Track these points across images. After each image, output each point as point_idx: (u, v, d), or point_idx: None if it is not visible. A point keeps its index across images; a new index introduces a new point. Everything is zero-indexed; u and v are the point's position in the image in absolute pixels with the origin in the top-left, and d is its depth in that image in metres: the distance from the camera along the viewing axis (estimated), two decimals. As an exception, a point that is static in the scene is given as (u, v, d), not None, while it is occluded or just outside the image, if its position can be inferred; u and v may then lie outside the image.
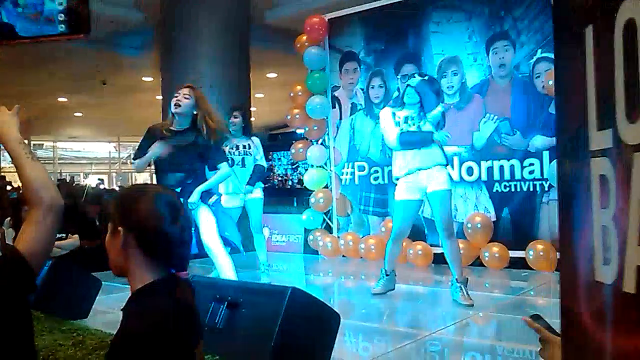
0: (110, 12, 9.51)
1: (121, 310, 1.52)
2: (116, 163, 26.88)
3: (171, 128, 4.20)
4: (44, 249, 1.54)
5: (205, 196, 4.17)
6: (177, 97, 4.13)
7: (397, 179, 4.55)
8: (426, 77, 4.50)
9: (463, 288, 4.42)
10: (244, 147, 5.42)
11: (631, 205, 0.77)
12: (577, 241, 0.95)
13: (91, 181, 21.17)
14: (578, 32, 0.95)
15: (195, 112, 4.16)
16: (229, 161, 4.49)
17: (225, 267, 4.11)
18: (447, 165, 4.52)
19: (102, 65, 12.70)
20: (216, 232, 4.15)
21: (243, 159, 5.39)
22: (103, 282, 4.46)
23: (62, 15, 0.58)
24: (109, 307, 4.64)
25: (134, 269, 1.48)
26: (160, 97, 9.91)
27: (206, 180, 4.22)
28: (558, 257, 5.50)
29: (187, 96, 4.13)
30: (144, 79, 14.07)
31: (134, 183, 22.79)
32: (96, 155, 27.23)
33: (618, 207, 0.82)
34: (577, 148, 0.95)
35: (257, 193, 5.43)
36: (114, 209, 1.50)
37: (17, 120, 1.64)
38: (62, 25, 0.58)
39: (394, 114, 4.47)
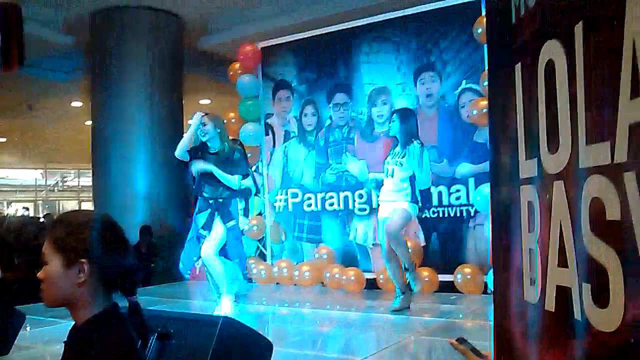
0: (38, 34, 9.25)
1: (64, 342, 1.48)
2: (43, 190, 25.89)
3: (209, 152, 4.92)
4: None
5: (226, 217, 4.81)
6: (201, 128, 4.85)
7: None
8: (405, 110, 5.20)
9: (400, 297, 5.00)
10: None
11: (552, 229, 0.83)
12: (508, 263, 1.01)
13: (14, 210, 20.26)
14: (509, 68, 1.02)
15: (219, 131, 4.88)
16: (244, 175, 4.92)
17: (219, 276, 4.79)
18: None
19: (29, 89, 12.29)
20: (214, 248, 4.76)
21: None
22: (27, 316, 4.29)
23: None
24: (32, 342, 4.46)
25: (86, 299, 1.44)
26: (90, 123, 9.67)
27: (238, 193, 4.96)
28: (485, 280, 5.68)
29: (205, 124, 4.84)
30: (73, 104, 13.70)
31: (66, 210, 21.92)
32: (21, 182, 26.14)
33: (541, 231, 0.88)
34: (508, 176, 1.01)
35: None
36: (71, 240, 1.43)
37: None
38: None
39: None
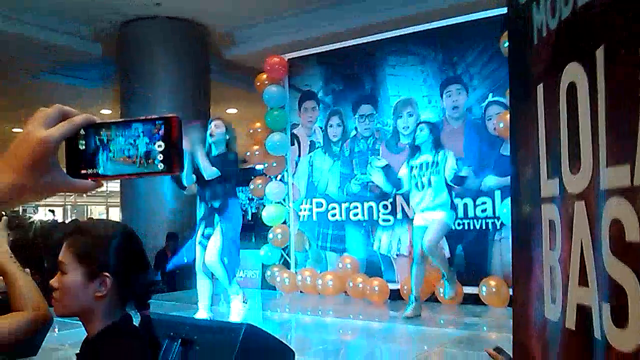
0: (67, 43, 9.46)
1: (76, 354, 1.46)
2: (72, 195, 26.28)
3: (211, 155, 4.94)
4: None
5: (226, 221, 4.85)
6: (210, 129, 4.93)
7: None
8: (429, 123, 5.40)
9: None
10: None
11: (573, 248, 0.84)
12: (529, 280, 1.02)
13: (41, 215, 20.55)
14: (530, 89, 1.03)
15: (227, 137, 4.94)
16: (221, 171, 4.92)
17: (225, 279, 4.88)
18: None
19: (59, 97, 12.54)
20: (216, 255, 4.80)
21: None
22: (54, 318, 4.37)
23: (161, 155, 0.63)
24: (59, 344, 4.54)
25: (101, 312, 1.40)
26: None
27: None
28: (510, 293, 5.63)
29: (217, 126, 4.93)
30: (102, 111, 13.94)
31: (92, 217, 22.19)
32: (50, 186, 26.55)
33: (563, 249, 0.89)
34: (530, 194, 1.02)
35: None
36: (95, 252, 1.38)
37: (5, 232, 1.63)
38: (162, 165, 0.63)
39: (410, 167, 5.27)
